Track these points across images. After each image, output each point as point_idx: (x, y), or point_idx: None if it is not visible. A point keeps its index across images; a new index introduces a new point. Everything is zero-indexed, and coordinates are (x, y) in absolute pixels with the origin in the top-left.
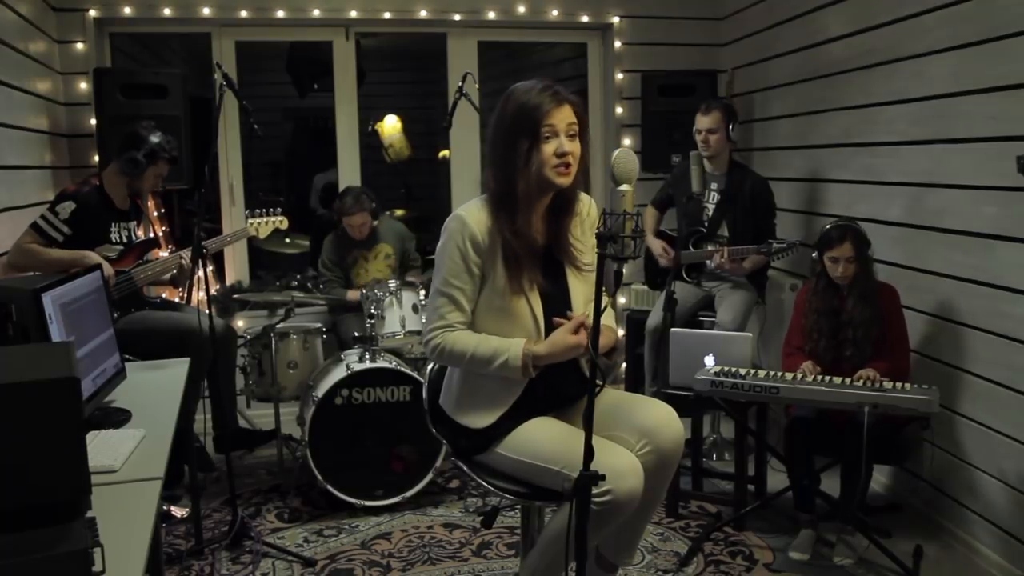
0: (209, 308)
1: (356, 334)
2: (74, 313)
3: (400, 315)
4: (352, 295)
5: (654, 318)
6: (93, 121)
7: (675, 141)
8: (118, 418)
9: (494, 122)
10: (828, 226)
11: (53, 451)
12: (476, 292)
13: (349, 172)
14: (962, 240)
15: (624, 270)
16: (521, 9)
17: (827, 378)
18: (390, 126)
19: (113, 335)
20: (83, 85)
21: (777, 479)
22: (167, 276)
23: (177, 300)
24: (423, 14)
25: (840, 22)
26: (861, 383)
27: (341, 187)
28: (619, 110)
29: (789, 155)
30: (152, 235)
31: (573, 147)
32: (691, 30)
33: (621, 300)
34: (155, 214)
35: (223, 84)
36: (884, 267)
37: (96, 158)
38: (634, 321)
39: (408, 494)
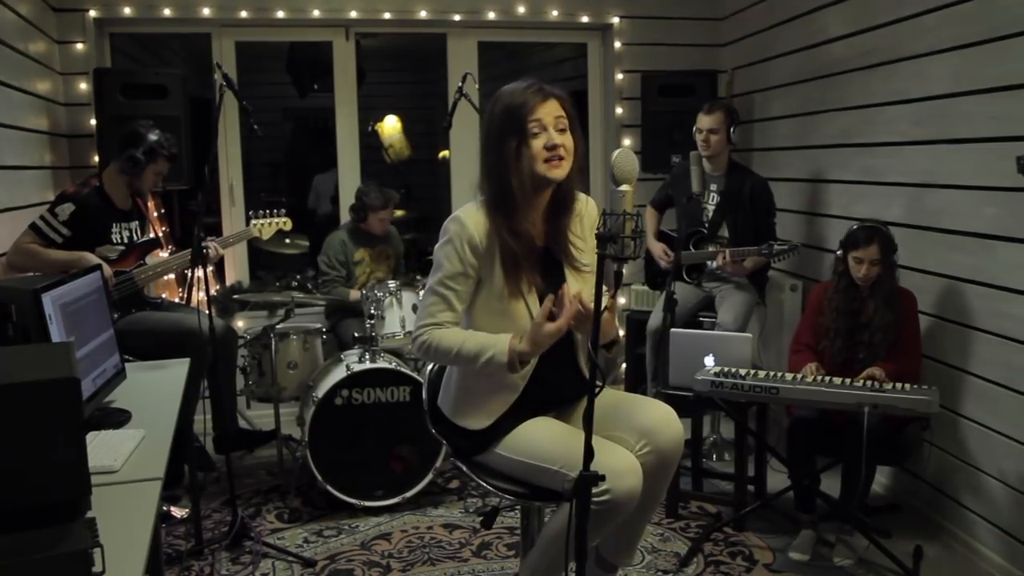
0: (209, 308)
1: (356, 334)
2: (74, 313)
3: (400, 315)
4: (353, 295)
5: (655, 319)
6: (93, 121)
7: (675, 141)
8: (118, 418)
9: (484, 127)
10: (856, 226)
11: (53, 451)
12: (470, 294)
13: (349, 172)
14: (962, 240)
15: (624, 270)
16: (521, 9)
17: (827, 378)
18: (390, 126)
19: (113, 335)
20: (83, 85)
21: (777, 479)
22: (174, 272)
23: (177, 300)
24: (423, 14)
25: (840, 22)
26: (861, 383)
27: (341, 188)
28: (619, 110)
29: (789, 155)
30: (153, 235)
31: (563, 139)
32: (691, 30)
33: (621, 300)
34: (155, 214)
35: (223, 84)
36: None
37: (96, 158)
38: (634, 321)
39: (408, 494)
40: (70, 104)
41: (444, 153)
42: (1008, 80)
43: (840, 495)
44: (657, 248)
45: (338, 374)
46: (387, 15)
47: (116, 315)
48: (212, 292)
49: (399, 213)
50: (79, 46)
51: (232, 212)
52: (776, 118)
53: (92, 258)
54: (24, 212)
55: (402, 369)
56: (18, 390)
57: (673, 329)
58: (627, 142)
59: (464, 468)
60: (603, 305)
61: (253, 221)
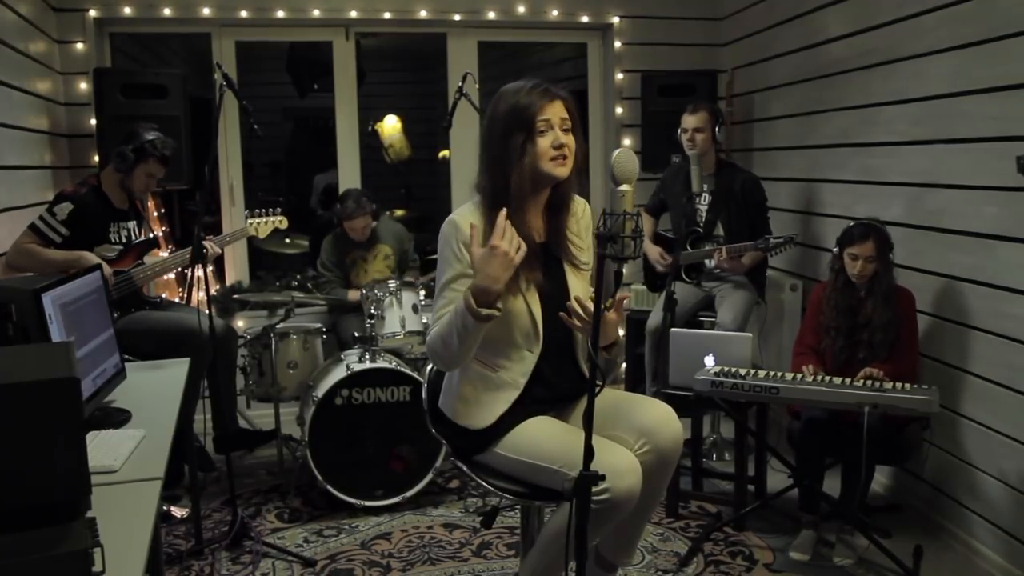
0: (209, 308)
1: (356, 334)
2: (74, 313)
3: (400, 315)
4: (352, 295)
5: (654, 318)
6: (93, 121)
7: (675, 141)
8: (118, 418)
9: (486, 124)
10: (852, 223)
11: (53, 451)
12: None
13: (349, 172)
14: (962, 240)
15: (624, 270)
16: (521, 9)
17: (827, 378)
18: (390, 126)
19: (113, 335)
20: (83, 85)
21: (777, 479)
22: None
23: (177, 300)
24: (423, 14)
25: (840, 22)
26: (861, 383)
27: (341, 188)
28: (619, 110)
29: (789, 155)
30: (152, 235)
31: (568, 140)
32: (691, 30)
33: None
34: (155, 214)
35: (223, 84)
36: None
37: (96, 158)
38: (634, 321)
39: (408, 494)
40: (70, 104)
41: (444, 153)
42: (1007, 80)
43: (840, 495)
44: (654, 252)
45: (338, 374)
46: (387, 15)
47: (116, 315)
48: (212, 292)
49: (399, 213)
50: (79, 46)
51: (232, 212)
52: (776, 118)
53: (92, 258)
54: (24, 212)
55: (402, 369)
56: (18, 390)
57: (673, 329)
58: (627, 142)
59: (464, 468)
60: (609, 302)
61: (249, 220)
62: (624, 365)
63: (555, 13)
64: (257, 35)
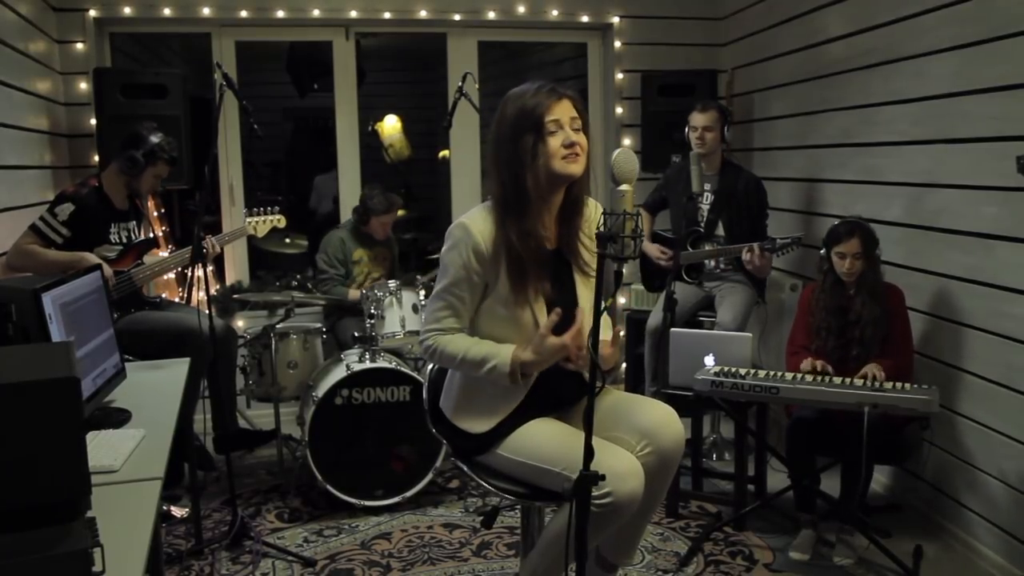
0: (209, 308)
1: (355, 334)
2: (74, 313)
3: (400, 315)
4: (352, 294)
5: (654, 318)
6: (93, 121)
7: (675, 141)
8: (118, 418)
9: (494, 128)
10: (838, 222)
11: (53, 451)
12: (477, 300)
13: (349, 172)
14: (962, 240)
15: (624, 270)
16: (521, 9)
17: (827, 378)
18: (390, 126)
19: (113, 335)
20: (83, 85)
21: (777, 479)
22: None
23: (177, 300)
24: (423, 14)
25: (840, 22)
26: (861, 383)
27: (341, 188)
28: (619, 110)
29: (789, 155)
30: (151, 235)
31: (579, 138)
32: (691, 30)
33: (621, 300)
34: (155, 214)
35: (223, 84)
36: (884, 267)
37: (96, 158)
38: (634, 321)
39: (408, 494)
40: (70, 104)
41: (444, 153)
42: (1007, 80)
43: (840, 495)
44: (653, 249)
45: (338, 374)
46: (387, 15)
47: (116, 315)
48: (212, 292)
49: (400, 213)
50: (79, 46)
51: (232, 212)
52: (776, 118)
53: (92, 258)
54: (24, 212)
55: (402, 369)
56: (18, 390)
57: (673, 329)
58: (627, 142)
59: (465, 468)
60: (609, 335)
61: (248, 219)
62: (624, 365)
63: (555, 13)
64: (257, 35)
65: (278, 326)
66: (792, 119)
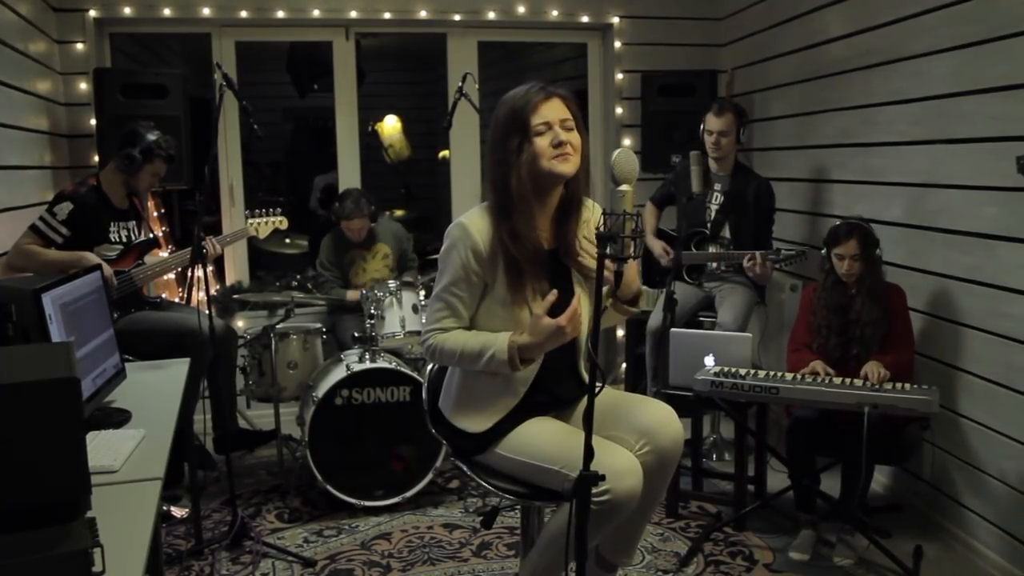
0: (209, 308)
1: (355, 334)
2: (74, 313)
3: (400, 315)
4: (351, 295)
5: (655, 319)
6: (93, 121)
7: (675, 141)
8: (118, 418)
9: (490, 131)
10: (838, 223)
11: (53, 451)
12: (476, 300)
13: (349, 172)
14: (962, 240)
15: (624, 270)
16: (521, 9)
17: (827, 378)
18: (390, 126)
19: (113, 335)
20: (83, 85)
21: (777, 479)
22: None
23: (177, 300)
24: (423, 14)
25: (840, 22)
26: (861, 383)
27: (341, 188)
28: (619, 110)
29: (789, 155)
30: (151, 235)
31: (570, 137)
32: (691, 30)
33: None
34: (155, 214)
35: (223, 84)
36: (884, 267)
37: (96, 158)
38: (634, 321)
39: (408, 494)
40: (70, 104)
41: (444, 153)
42: (1007, 80)
43: (840, 495)
44: (657, 246)
45: (338, 374)
46: (387, 15)
47: (116, 315)
48: (212, 292)
49: (399, 213)
50: (79, 46)
51: (232, 212)
52: (776, 118)
53: (92, 258)
54: (24, 212)
55: (402, 369)
56: (18, 390)
57: (673, 329)
58: (627, 142)
59: (464, 468)
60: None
61: (250, 220)
62: (624, 365)
63: (555, 13)
64: (257, 35)
65: (278, 326)
66: (792, 119)
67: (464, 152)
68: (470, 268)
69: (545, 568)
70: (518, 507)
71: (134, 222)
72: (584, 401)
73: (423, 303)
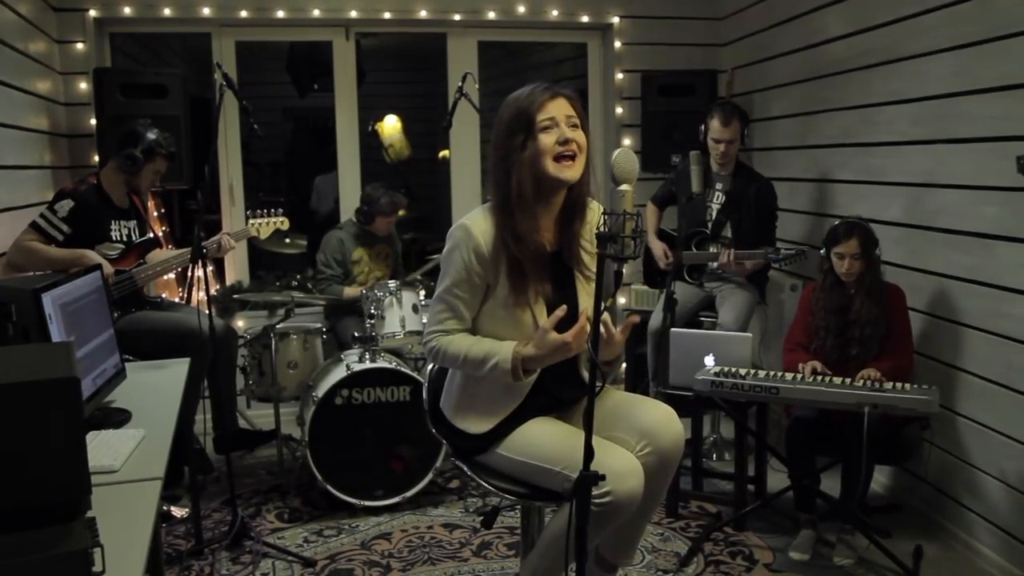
0: (209, 308)
1: (355, 334)
2: (74, 313)
3: (400, 315)
4: (349, 292)
5: (655, 319)
6: (93, 121)
7: (675, 141)
8: (118, 418)
9: (494, 131)
10: (838, 222)
11: (53, 451)
12: (478, 301)
13: (349, 172)
14: (962, 240)
15: (624, 270)
16: (521, 9)
17: (827, 378)
18: (390, 126)
19: (113, 335)
20: (83, 85)
21: (777, 479)
22: (174, 272)
23: (177, 300)
24: (423, 14)
25: (840, 22)
26: (861, 383)
27: (342, 188)
28: (619, 110)
29: (789, 155)
30: (152, 235)
31: (576, 135)
32: (691, 30)
33: (621, 300)
34: (155, 214)
35: (223, 84)
36: (884, 267)
37: (96, 158)
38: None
39: (408, 494)
40: (70, 104)
41: (444, 153)
42: (1008, 80)
43: (840, 495)
44: (658, 248)
45: (338, 374)
46: (387, 15)
47: (116, 315)
48: (212, 292)
49: (399, 213)
50: (79, 46)
51: (232, 211)
52: (776, 118)
53: (93, 256)
54: (24, 212)
55: (402, 369)
56: (18, 390)
57: (673, 329)
58: (627, 142)
59: (465, 468)
60: (621, 328)
61: (251, 221)
62: (624, 365)
63: (555, 13)
64: (257, 35)
65: (278, 326)
66: (792, 119)
67: (464, 152)
68: (472, 269)
69: (546, 569)
70: (518, 507)
71: (135, 221)
72: (585, 401)
73: (423, 303)
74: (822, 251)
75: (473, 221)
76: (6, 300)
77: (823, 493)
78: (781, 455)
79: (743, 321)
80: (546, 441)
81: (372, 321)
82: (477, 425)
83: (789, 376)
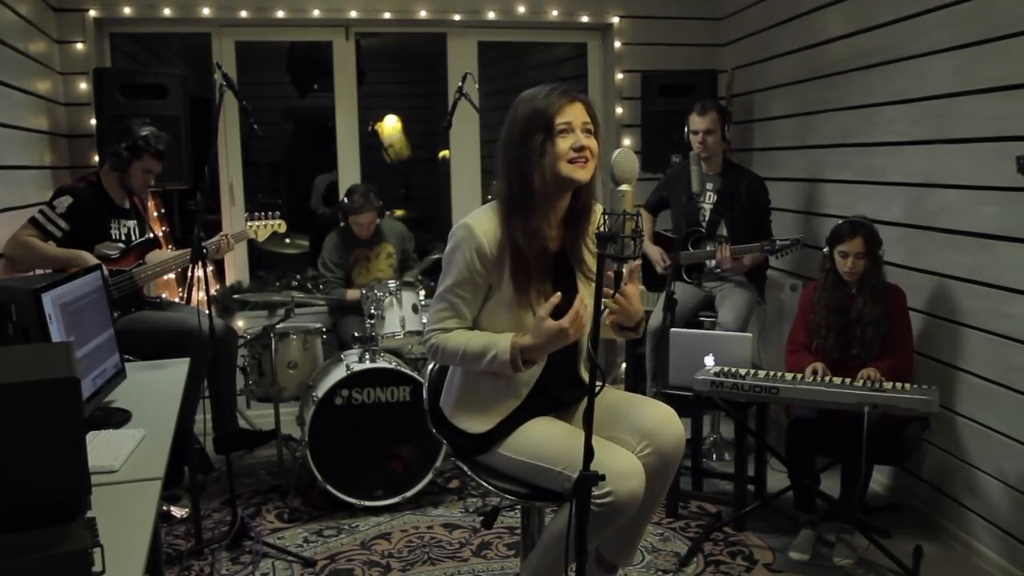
0: (209, 308)
1: (356, 334)
2: (74, 313)
3: (400, 315)
4: (351, 294)
5: (655, 319)
6: (93, 121)
7: (675, 141)
8: (118, 418)
9: (505, 129)
10: (842, 221)
11: (53, 451)
12: (479, 301)
13: (349, 172)
14: (962, 240)
15: (624, 270)
16: (521, 9)
17: (827, 378)
18: (390, 126)
19: (113, 335)
20: (83, 85)
21: (777, 479)
22: (174, 271)
23: (177, 300)
24: (423, 14)
25: (840, 22)
26: (861, 383)
27: (342, 186)
28: (619, 110)
29: (789, 155)
30: (152, 235)
31: (590, 142)
32: (691, 30)
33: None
34: (155, 214)
35: (223, 84)
36: (885, 267)
37: (96, 158)
38: None
39: (408, 494)
40: (70, 104)
41: (444, 153)
42: (1008, 80)
43: (840, 495)
44: (655, 252)
45: (338, 374)
46: (387, 15)
47: (116, 315)
48: (212, 292)
49: (400, 213)
50: (79, 46)
51: (232, 211)
52: (776, 118)
53: (89, 257)
54: (24, 212)
55: (402, 369)
56: (18, 390)
57: (673, 329)
58: (627, 142)
59: (465, 468)
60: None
61: (249, 223)
62: (624, 365)
63: (555, 13)
64: (257, 35)
65: (278, 326)
66: (792, 119)
67: (464, 152)
68: (474, 269)
69: (546, 570)
70: (518, 507)
71: (135, 221)
72: (585, 401)
73: (423, 303)
74: (824, 249)
75: (476, 220)
76: (6, 300)
77: (823, 493)
78: (781, 455)
79: (743, 321)
80: (546, 441)
81: (372, 321)
82: (477, 425)
83: (789, 376)
